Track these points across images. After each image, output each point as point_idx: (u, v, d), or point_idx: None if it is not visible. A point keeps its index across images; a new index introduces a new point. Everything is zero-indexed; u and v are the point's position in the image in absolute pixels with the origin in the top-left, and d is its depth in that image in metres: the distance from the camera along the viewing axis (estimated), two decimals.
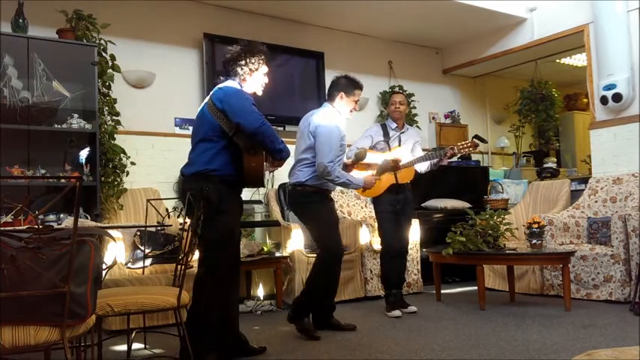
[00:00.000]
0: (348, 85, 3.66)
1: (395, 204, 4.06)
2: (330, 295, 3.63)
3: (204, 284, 2.74)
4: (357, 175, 3.84)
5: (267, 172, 2.99)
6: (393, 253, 4.07)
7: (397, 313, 3.95)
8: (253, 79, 2.94)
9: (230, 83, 2.87)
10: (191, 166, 2.82)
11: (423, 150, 4.36)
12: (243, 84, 2.91)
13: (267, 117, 2.85)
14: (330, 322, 3.60)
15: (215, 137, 2.77)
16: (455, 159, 6.30)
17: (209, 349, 2.70)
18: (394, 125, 4.21)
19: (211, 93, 2.87)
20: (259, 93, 2.99)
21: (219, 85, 2.89)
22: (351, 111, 3.70)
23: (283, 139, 2.87)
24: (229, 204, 2.78)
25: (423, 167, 4.13)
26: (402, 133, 4.20)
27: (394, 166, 3.96)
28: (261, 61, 2.95)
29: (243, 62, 2.89)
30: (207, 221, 2.59)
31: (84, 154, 4.02)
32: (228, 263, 2.80)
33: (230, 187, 2.80)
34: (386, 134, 4.17)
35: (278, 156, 2.82)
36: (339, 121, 3.57)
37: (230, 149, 2.77)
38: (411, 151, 4.19)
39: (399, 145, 4.15)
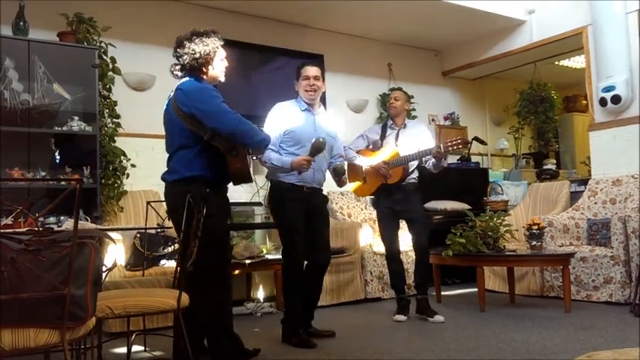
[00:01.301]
0: (297, 71, 3.52)
1: (394, 205, 3.95)
2: (306, 306, 3.43)
3: (194, 286, 2.71)
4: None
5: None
6: (395, 257, 4.00)
7: (401, 317, 3.89)
8: (213, 68, 2.75)
9: (190, 79, 2.72)
10: (172, 174, 2.74)
11: None
12: (202, 76, 2.74)
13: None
14: (307, 331, 3.41)
15: (190, 143, 2.69)
16: (454, 160, 6.32)
17: (200, 350, 2.68)
18: (390, 122, 4.12)
19: (172, 94, 2.73)
20: (222, 80, 2.83)
21: (179, 85, 2.72)
22: (307, 91, 3.40)
23: (262, 130, 2.83)
24: (215, 206, 2.68)
25: (416, 165, 3.99)
26: (402, 129, 4.06)
27: (379, 169, 3.87)
28: (216, 46, 2.74)
29: (197, 54, 2.68)
30: (191, 225, 2.54)
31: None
32: (219, 264, 2.76)
33: (213, 189, 2.71)
34: (383, 133, 4.08)
35: (261, 146, 2.79)
36: (279, 110, 3.42)
37: (207, 152, 2.68)
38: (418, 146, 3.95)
39: (396, 141, 3.99)
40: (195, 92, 2.67)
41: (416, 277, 4.04)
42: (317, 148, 3.18)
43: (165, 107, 2.80)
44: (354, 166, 3.98)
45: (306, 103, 3.45)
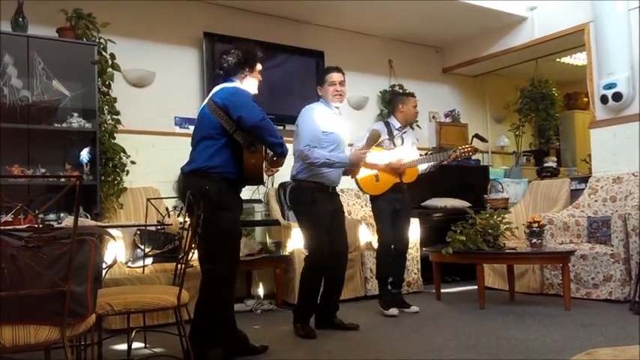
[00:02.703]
0: (320, 77, 3.70)
1: (395, 203, 4.05)
2: (331, 295, 3.61)
3: (206, 282, 2.75)
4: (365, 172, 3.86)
5: (265, 176, 2.99)
6: (390, 252, 4.06)
7: (394, 311, 3.95)
8: (251, 79, 2.97)
9: (230, 83, 2.91)
10: (191, 164, 2.84)
11: (422, 149, 4.37)
12: (242, 83, 2.94)
13: (267, 115, 2.85)
14: (333, 322, 3.58)
15: (216, 135, 2.79)
16: None
17: (213, 344, 2.72)
18: (398, 125, 4.22)
19: (212, 93, 2.91)
20: (256, 92, 3.01)
21: (220, 86, 2.91)
22: (335, 96, 3.57)
23: (283, 138, 2.87)
24: (230, 201, 2.80)
25: (422, 167, 4.16)
26: (404, 133, 4.23)
27: (398, 168, 3.99)
28: (259, 62, 2.99)
29: (242, 64, 2.92)
30: (208, 219, 2.59)
31: (85, 154, 4.01)
32: (230, 260, 2.81)
33: (230, 185, 2.81)
34: (390, 132, 4.16)
35: (278, 150, 2.83)
36: (319, 111, 3.53)
37: (230, 147, 2.79)
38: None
39: (402, 144, 4.17)
40: (233, 89, 2.85)
41: (395, 273, 4.15)
42: (374, 140, 3.48)
43: (200, 108, 2.95)
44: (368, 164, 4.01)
45: (335, 107, 3.63)
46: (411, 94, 4.39)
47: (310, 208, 3.47)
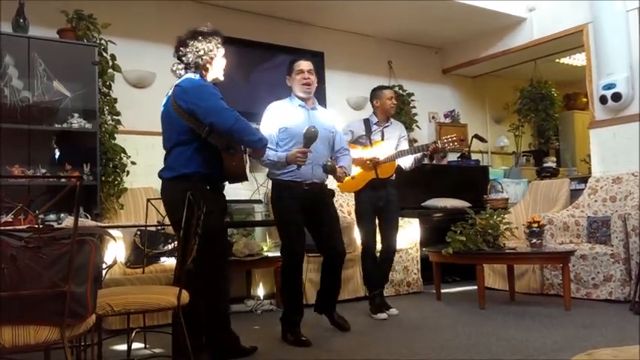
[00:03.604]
0: (288, 66, 3.49)
1: (376, 201, 3.96)
2: (329, 292, 3.53)
3: (193, 283, 2.71)
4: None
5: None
6: (373, 254, 4.00)
7: (383, 315, 3.90)
8: (214, 66, 2.80)
9: (190, 76, 2.75)
10: (170, 171, 2.75)
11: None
12: (205, 74, 2.79)
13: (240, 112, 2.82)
14: (331, 314, 3.55)
15: (187, 140, 2.70)
16: (454, 158, 6.32)
17: (200, 348, 2.68)
18: (375, 120, 4.14)
19: (172, 91, 2.75)
20: (221, 78, 2.86)
21: (178, 82, 2.75)
22: (303, 85, 3.38)
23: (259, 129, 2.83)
24: (211, 203, 2.66)
25: (407, 163, 4.06)
26: (386, 127, 4.12)
27: (372, 163, 3.90)
28: (218, 44, 2.80)
29: (201, 51, 2.73)
30: (191, 223, 2.54)
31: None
32: (217, 261, 2.76)
33: (210, 186, 2.75)
34: (368, 129, 4.09)
35: (258, 145, 2.78)
36: (273, 108, 3.41)
37: (204, 149, 2.70)
38: (397, 146, 4.09)
39: (382, 139, 4.07)
40: (194, 89, 2.69)
41: (378, 275, 4.06)
42: (309, 138, 3.10)
43: (163, 105, 2.81)
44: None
45: (300, 98, 3.44)
46: (384, 87, 4.28)
47: (276, 206, 3.36)
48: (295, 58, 3.60)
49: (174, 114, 2.70)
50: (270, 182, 3.50)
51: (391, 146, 4.06)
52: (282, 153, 3.25)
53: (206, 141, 2.67)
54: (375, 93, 4.20)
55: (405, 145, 4.12)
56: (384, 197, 3.99)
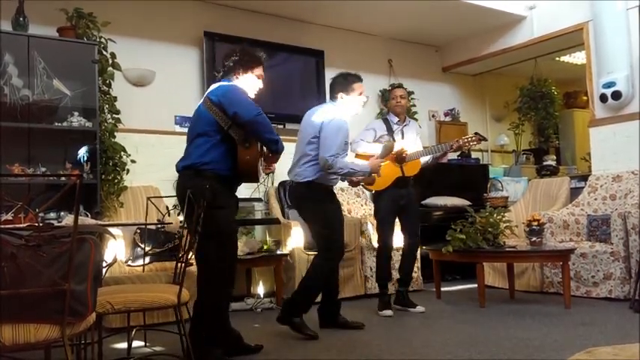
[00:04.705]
0: (344, 84, 3.61)
1: (399, 199, 4.02)
2: (332, 293, 3.60)
3: (203, 281, 2.75)
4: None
5: (262, 175, 2.97)
6: (386, 254, 4.06)
7: (388, 312, 3.93)
8: (247, 80, 2.95)
9: (226, 82, 2.91)
10: (185, 160, 2.83)
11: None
12: (238, 80, 2.93)
13: (267, 115, 2.85)
14: (336, 320, 3.57)
15: (211, 132, 2.78)
16: (454, 156, 6.32)
17: (213, 343, 2.72)
18: (396, 119, 4.20)
19: (208, 91, 2.91)
20: (252, 96, 2.96)
21: (216, 84, 2.91)
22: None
23: (283, 138, 2.86)
24: (223, 199, 2.77)
25: (424, 160, 4.12)
26: (405, 126, 4.20)
27: (399, 156, 3.95)
28: (258, 65, 2.98)
29: (240, 64, 2.92)
30: (203, 218, 2.58)
31: (82, 152, 4.02)
32: (227, 259, 2.79)
33: (224, 183, 2.78)
34: (389, 128, 4.15)
35: (274, 147, 2.81)
36: (345, 118, 3.50)
37: (225, 144, 2.77)
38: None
39: (402, 138, 4.14)
40: (228, 87, 2.84)
41: (404, 270, 4.15)
42: (389, 149, 3.58)
43: (196, 107, 2.94)
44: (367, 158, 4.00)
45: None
46: (394, 86, 4.42)
47: (329, 206, 3.50)
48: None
49: (203, 109, 2.83)
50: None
51: (410, 145, 4.11)
52: (361, 162, 3.53)
53: (227, 137, 2.76)
54: (387, 94, 4.30)
55: (419, 144, 4.19)
56: (406, 196, 4.06)
